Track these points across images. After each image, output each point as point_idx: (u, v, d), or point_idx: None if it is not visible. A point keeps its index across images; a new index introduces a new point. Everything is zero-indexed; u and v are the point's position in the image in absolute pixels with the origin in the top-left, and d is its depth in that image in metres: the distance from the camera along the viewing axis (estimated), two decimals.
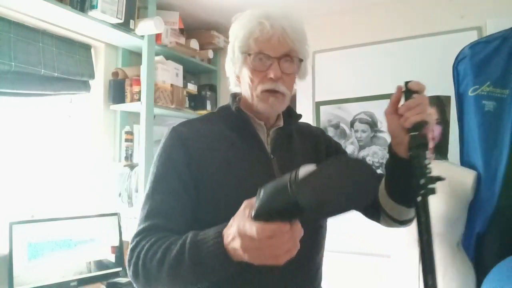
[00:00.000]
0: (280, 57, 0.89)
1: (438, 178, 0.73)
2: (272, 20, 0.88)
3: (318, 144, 1.05)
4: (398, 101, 0.84)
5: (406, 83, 0.82)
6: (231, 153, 0.92)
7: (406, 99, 0.81)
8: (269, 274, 0.87)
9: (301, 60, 0.93)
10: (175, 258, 0.74)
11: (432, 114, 0.79)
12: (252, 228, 0.62)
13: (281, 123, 1.00)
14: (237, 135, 0.94)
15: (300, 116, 1.04)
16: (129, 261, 0.81)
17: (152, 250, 0.78)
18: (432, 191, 0.73)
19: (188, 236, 0.75)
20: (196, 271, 0.72)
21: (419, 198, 0.73)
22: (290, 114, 1.02)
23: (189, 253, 0.72)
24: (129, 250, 0.83)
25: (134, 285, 0.82)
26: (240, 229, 0.64)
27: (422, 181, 0.73)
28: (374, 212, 0.99)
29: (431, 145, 1.84)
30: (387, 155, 0.91)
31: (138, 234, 0.84)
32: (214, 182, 0.88)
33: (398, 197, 0.90)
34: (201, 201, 0.88)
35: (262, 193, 0.63)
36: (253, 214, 0.63)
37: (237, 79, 0.98)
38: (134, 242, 0.82)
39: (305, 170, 0.58)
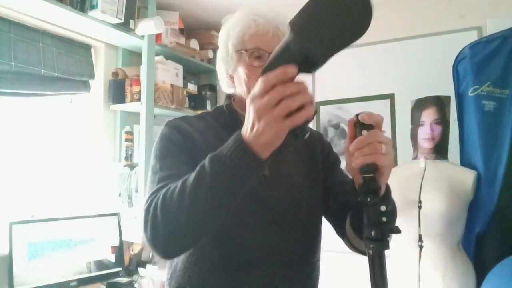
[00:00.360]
0: None
1: (392, 230, 0.62)
2: (265, 17, 0.90)
3: (314, 146, 1.03)
4: (353, 136, 0.71)
5: (357, 115, 0.69)
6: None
7: (357, 135, 0.68)
8: (264, 275, 0.86)
9: None
10: (196, 179, 0.68)
11: (389, 154, 0.66)
12: (259, 83, 0.60)
13: None
14: (228, 133, 0.94)
15: None
16: (145, 221, 0.73)
17: (170, 190, 0.72)
18: (385, 246, 0.62)
19: (206, 158, 0.70)
20: (220, 182, 0.66)
21: (370, 252, 0.62)
22: None
23: (210, 166, 0.67)
24: (143, 211, 0.75)
25: (154, 252, 0.74)
26: (250, 96, 0.62)
27: (373, 233, 0.62)
28: (342, 230, 0.95)
29: (430, 145, 1.84)
30: None
31: (151, 194, 0.77)
32: None
33: (359, 232, 0.81)
34: None
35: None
36: (260, 73, 0.62)
37: (230, 79, 0.98)
38: (148, 201, 0.75)
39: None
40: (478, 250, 1.84)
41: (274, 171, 0.91)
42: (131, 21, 2.11)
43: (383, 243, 0.62)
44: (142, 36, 2.21)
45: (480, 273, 1.67)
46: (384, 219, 0.63)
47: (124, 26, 2.08)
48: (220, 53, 0.98)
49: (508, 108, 1.80)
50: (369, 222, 0.63)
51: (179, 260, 0.90)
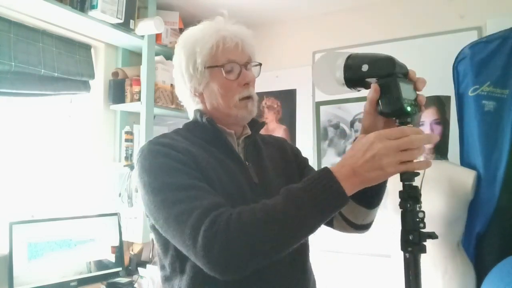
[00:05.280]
0: (244, 64, 0.94)
1: (430, 236, 0.67)
2: (231, 32, 0.92)
3: (285, 151, 1.08)
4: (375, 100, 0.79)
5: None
6: (212, 159, 0.88)
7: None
8: (274, 278, 0.87)
9: (260, 64, 0.98)
10: (281, 208, 0.71)
11: (421, 156, 0.73)
12: (396, 129, 0.69)
13: (248, 131, 1.01)
14: (211, 146, 0.92)
15: (264, 123, 1.07)
16: (206, 244, 0.71)
17: (242, 214, 0.72)
18: (422, 250, 0.67)
19: (287, 189, 0.73)
20: (307, 217, 0.70)
21: (406, 255, 0.68)
22: (254, 122, 1.02)
23: (295, 199, 0.71)
24: (203, 226, 0.72)
25: (217, 272, 0.73)
26: (379, 135, 0.68)
27: (411, 237, 0.67)
28: None
29: (430, 145, 1.84)
30: None
31: (201, 216, 0.73)
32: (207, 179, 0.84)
33: (359, 195, 0.79)
34: None
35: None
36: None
37: (199, 96, 0.96)
38: (210, 216, 0.72)
39: None
40: (478, 250, 1.84)
41: (261, 178, 0.95)
42: (131, 21, 2.11)
43: (420, 247, 0.67)
44: (142, 36, 2.21)
45: (480, 273, 1.67)
46: (421, 225, 0.68)
47: (124, 26, 2.08)
48: (184, 71, 0.94)
49: (508, 108, 1.80)
50: (407, 227, 0.68)
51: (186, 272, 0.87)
